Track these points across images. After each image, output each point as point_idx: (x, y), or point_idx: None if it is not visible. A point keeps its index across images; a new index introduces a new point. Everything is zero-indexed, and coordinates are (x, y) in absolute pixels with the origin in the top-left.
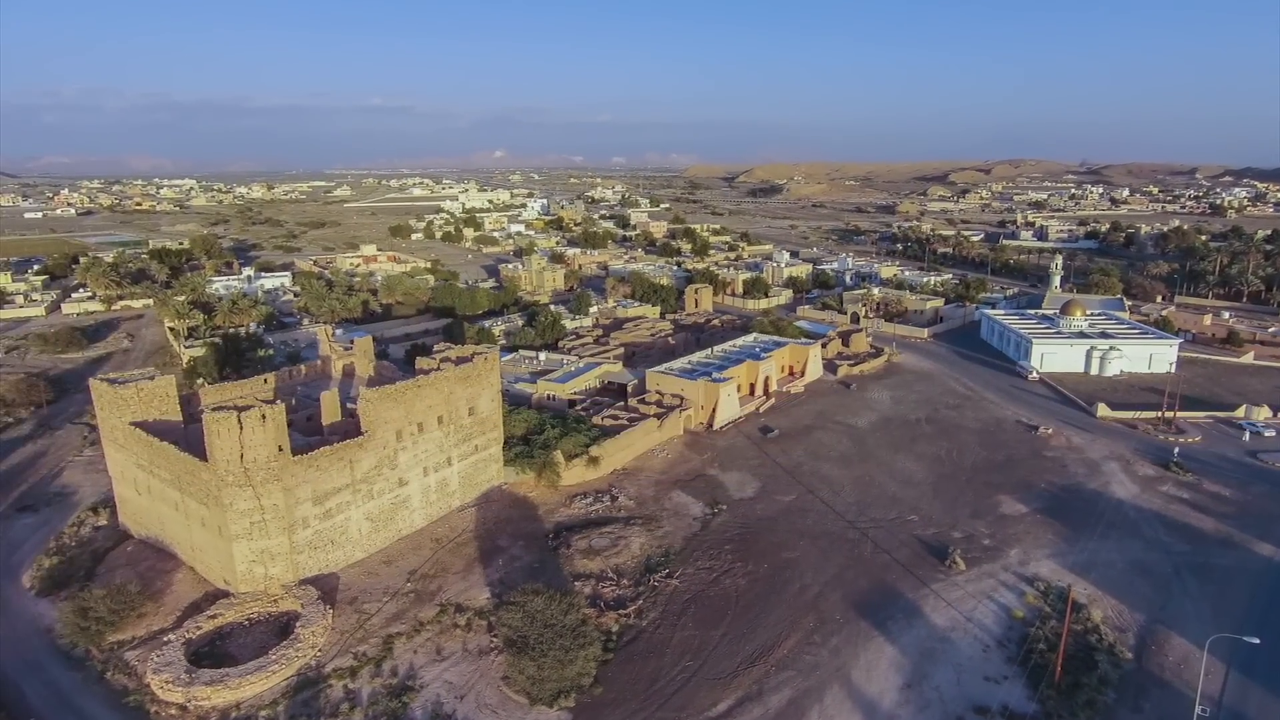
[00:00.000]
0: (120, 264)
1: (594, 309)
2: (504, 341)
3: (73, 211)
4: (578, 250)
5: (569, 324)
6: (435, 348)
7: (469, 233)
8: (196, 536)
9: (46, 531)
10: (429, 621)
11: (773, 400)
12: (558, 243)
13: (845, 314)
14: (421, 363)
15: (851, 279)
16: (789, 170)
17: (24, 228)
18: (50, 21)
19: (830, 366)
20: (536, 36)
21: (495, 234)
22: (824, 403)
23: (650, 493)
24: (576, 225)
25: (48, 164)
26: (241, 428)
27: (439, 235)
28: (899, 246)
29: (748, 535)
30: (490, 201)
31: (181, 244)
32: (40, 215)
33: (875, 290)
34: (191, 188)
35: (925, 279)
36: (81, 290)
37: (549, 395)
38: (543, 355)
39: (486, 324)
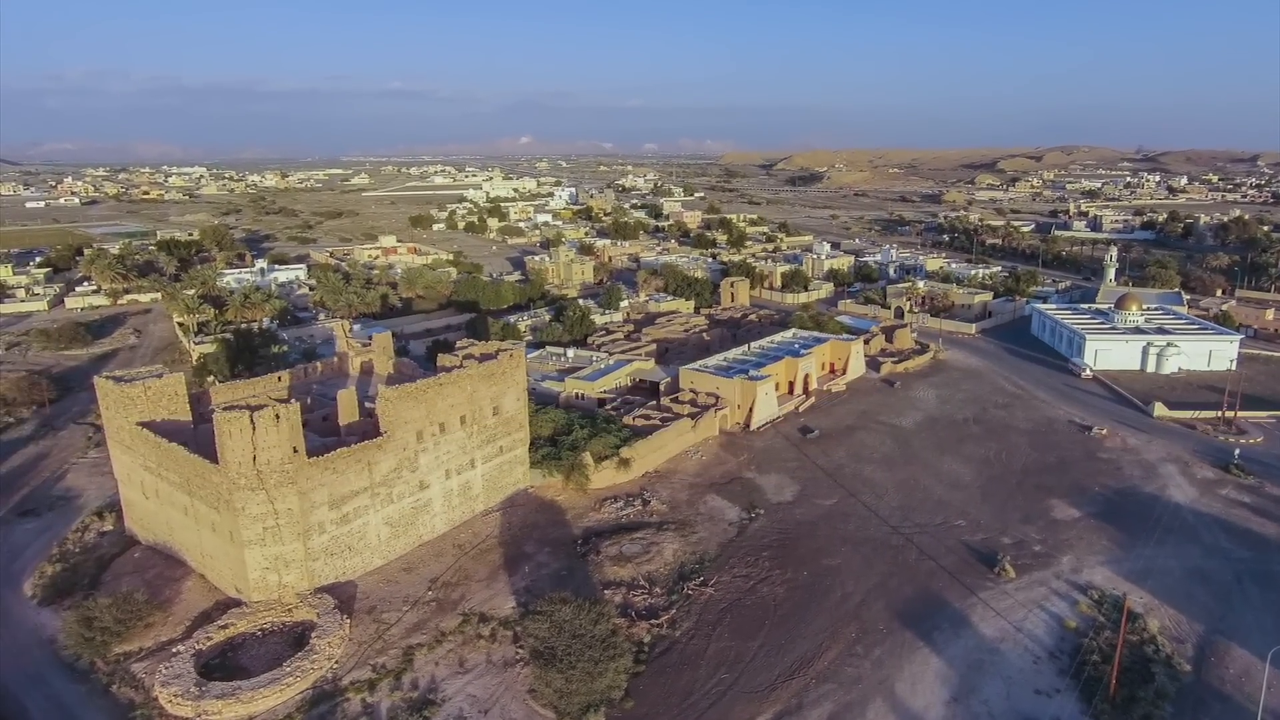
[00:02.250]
0: (127, 256)
1: (625, 303)
2: (530, 337)
3: (77, 201)
4: (608, 241)
5: (598, 319)
6: (458, 344)
7: (493, 223)
8: (207, 542)
9: (49, 537)
10: (451, 632)
11: (813, 399)
12: (586, 234)
13: (889, 309)
14: (443, 360)
15: (895, 272)
16: (829, 157)
17: (26, 218)
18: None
19: (873, 364)
20: (563, 17)
21: (521, 224)
22: (866, 402)
23: (684, 496)
24: (606, 215)
25: (51, 151)
26: (254, 428)
27: (462, 226)
28: (945, 238)
29: (786, 541)
30: (515, 190)
31: (191, 235)
32: (43, 205)
33: (920, 284)
34: (201, 176)
35: (973, 272)
36: (86, 284)
37: (577, 394)
38: (571, 352)
39: (512, 319)
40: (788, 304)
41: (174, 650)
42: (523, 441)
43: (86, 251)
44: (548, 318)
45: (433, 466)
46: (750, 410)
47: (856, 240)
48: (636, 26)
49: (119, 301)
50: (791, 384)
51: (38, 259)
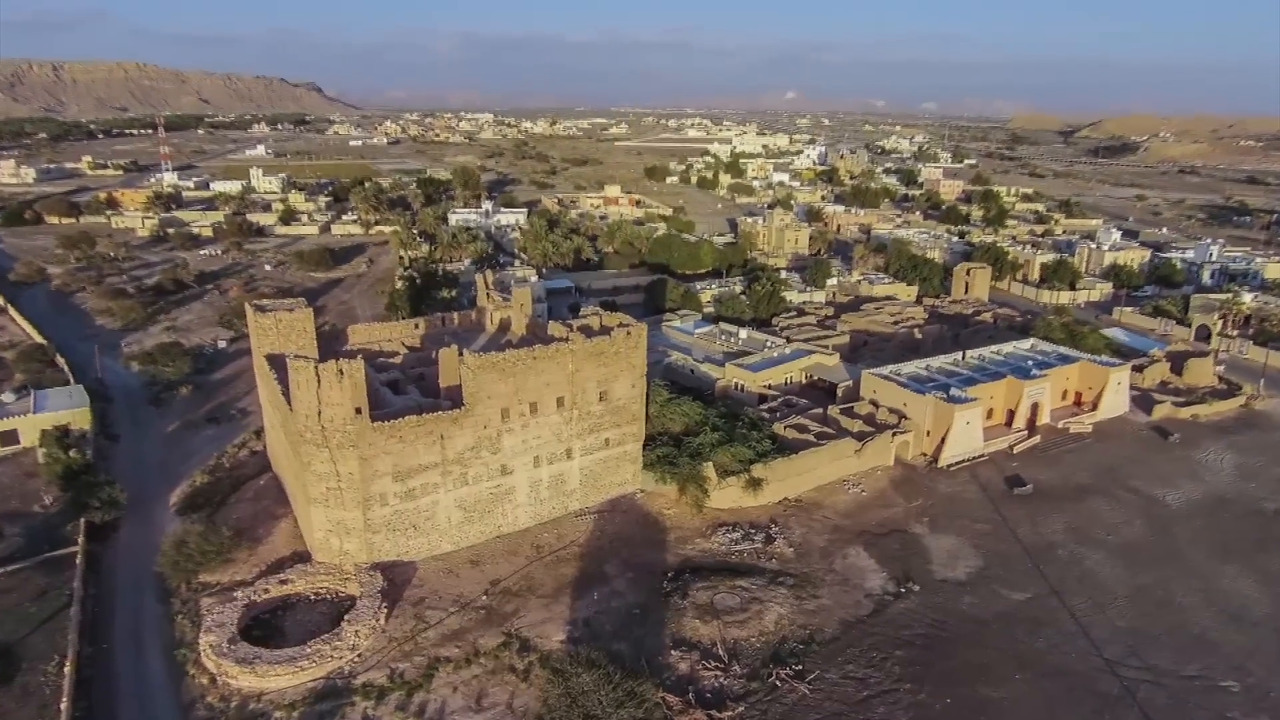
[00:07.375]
0: (390, 191)
1: (832, 281)
2: (711, 309)
3: (384, 141)
4: (840, 208)
5: (795, 297)
6: (581, 312)
7: (725, 180)
8: (296, 488)
9: (217, 446)
10: (486, 653)
11: (1037, 438)
12: (823, 197)
13: (1188, 326)
14: (554, 329)
15: (1212, 277)
16: (1154, 124)
17: (342, 153)
18: None
19: (1144, 401)
20: None
21: (755, 183)
22: (1117, 454)
23: (820, 542)
24: (853, 179)
25: (388, 98)
26: (319, 382)
27: (694, 180)
28: None
29: (936, 642)
30: (765, 147)
31: (445, 174)
32: (360, 143)
33: (1247, 297)
34: (485, 122)
35: None
36: (352, 213)
37: (736, 384)
38: (744, 333)
39: (699, 286)
40: (1041, 303)
41: (233, 595)
42: (635, 436)
43: (366, 184)
44: (738, 289)
45: (519, 450)
46: (942, 440)
47: (1164, 230)
48: None
49: (369, 231)
50: (1011, 413)
51: (329, 189)
